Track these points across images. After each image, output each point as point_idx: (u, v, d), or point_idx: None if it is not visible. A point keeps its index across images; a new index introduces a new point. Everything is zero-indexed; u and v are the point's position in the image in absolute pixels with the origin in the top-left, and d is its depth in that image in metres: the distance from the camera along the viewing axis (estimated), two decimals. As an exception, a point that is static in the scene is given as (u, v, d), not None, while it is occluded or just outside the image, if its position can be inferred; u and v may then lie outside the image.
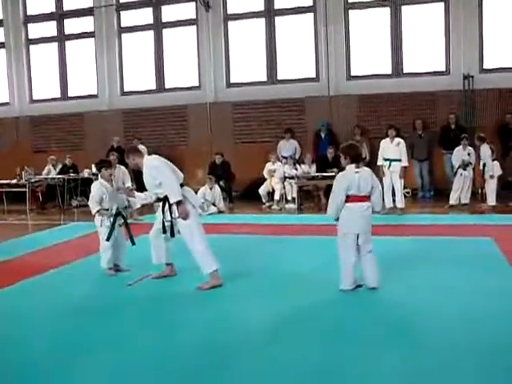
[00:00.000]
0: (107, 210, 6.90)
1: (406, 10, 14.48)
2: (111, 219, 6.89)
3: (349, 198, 5.76)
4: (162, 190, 6.24)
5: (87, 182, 14.83)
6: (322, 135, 14.49)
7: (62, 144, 16.90)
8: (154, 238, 6.61)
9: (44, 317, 5.44)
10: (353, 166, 5.86)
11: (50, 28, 17.37)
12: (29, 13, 17.54)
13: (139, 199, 7.20)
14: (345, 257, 5.83)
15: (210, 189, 12.32)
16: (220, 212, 12.35)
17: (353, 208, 5.78)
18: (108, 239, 6.84)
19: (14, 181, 14.99)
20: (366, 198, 5.84)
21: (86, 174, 14.67)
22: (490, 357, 4.07)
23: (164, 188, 6.18)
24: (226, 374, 3.97)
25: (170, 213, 6.24)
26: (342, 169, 6.12)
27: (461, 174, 11.79)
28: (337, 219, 5.90)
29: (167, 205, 6.24)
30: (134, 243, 7.05)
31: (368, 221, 5.88)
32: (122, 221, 7.05)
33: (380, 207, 6.22)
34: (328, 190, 13.50)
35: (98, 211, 6.87)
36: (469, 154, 11.84)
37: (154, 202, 6.84)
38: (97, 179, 7.22)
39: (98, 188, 6.92)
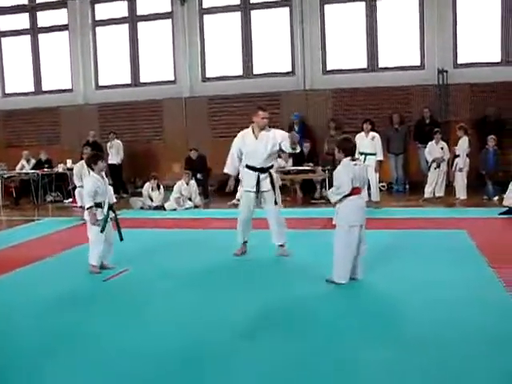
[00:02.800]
0: (100, 203, 6.76)
1: (381, 4, 14.56)
2: (104, 212, 6.79)
3: (353, 190, 5.82)
4: (272, 161, 7.25)
5: (62, 177, 14.71)
6: (296, 128, 14.48)
7: (35, 139, 16.71)
8: (246, 217, 7.32)
9: (16, 312, 5.39)
10: (348, 158, 5.91)
11: (22, 20, 17.11)
12: (0, 4, 17.24)
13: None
14: (346, 250, 5.82)
15: (187, 184, 12.31)
16: (196, 207, 12.34)
17: (355, 200, 5.86)
18: (102, 231, 6.70)
19: (-13, 176, 14.82)
20: (361, 190, 5.97)
21: (60, 169, 14.51)
22: (469, 345, 4.17)
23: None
24: (201, 370, 3.97)
25: (263, 185, 7.13)
26: (336, 162, 6.19)
27: (435, 168, 11.93)
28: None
29: (261, 176, 7.11)
30: (122, 239, 6.92)
31: (365, 211, 6.01)
32: (113, 215, 6.96)
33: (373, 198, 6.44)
34: (304, 184, 13.64)
35: (90, 207, 6.67)
36: (442, 148, 11.97)
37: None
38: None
39: (92, 181, 6.75)
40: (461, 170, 11.68)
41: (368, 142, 11.23)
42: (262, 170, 7.18)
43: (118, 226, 6.93)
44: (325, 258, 6.67)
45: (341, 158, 5.97)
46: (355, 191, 5.85)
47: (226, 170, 7.57)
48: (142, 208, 12.42)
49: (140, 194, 13.01)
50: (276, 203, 7.26)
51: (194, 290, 5.97)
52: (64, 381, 3.88)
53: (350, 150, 6.00)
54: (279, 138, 7.11)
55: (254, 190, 7.17)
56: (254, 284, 6.18)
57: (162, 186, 12.62)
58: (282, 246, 7.38)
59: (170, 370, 3.96)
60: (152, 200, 12.40)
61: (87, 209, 6.71)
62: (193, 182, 12.52)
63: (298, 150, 7.33)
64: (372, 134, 11.40)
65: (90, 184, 6.77)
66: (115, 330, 4.79)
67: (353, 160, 5.92)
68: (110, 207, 6.86)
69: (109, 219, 6.80)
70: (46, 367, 4.07)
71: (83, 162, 9.17)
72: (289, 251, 7.35)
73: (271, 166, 7.27)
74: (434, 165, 11.94)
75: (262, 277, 6.48)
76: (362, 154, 11.19)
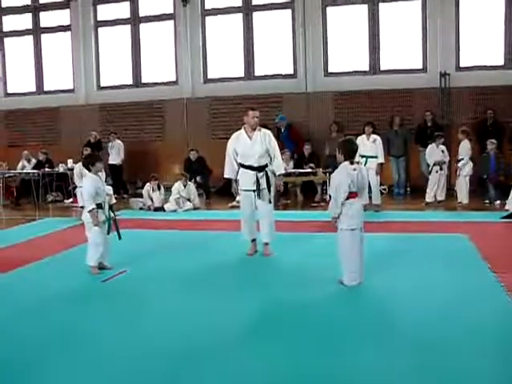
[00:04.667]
0: (101, 204, 6.70)
1: (383, 7, 14.53)
2: (106, 213, 6.76)
3: (351, 195, 5.81)
4: (265, 160, 7.30)
5: (63, 177, 14.70)
6: (282, 129, 14.44)
7: (37, 138, 16.70)
8: (250, 216, 7.43)
9: (15, 311, 5.37)
10: (347, 162, 5.88)
11: (25, 21, 17.13)
12: (3, 5, 17.29)
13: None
14: (352, 252, 5.84)
15: (184, 186, 12.27)
16: (196, 208, 12.32)
17: (353, 203, 5.85)
18: (108, 233, 6.73)
19: (-12, 176, 14.81)
20: (358, 193, 5.95)
21: (61, 168, 14.50)
22: (470, 349, 4.13)
23: (278, 159, 7.40)
24: (197, 373, 3.94)
25: (262, 182, 7.24)
26: (335, 165, 6.19)
27: (436, 172, 11.90)
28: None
29: (259, 175, 7.24)
30: (120, 237, 6.89)
31: (362, 214, 6.02)
32: (112, 215, 6.93)
33: (366, 201, 6.48)
34: (304, 186, 13.62)
35: (91, 210, 6.60)
36: (442, 152, 11.95)
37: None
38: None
39: (92, 182, 6.70)
40: (466, 174, 11.67)
41: (369, 144, 11.20)
42: (259, 169, 7.28)
43: (117, 226, 6.91)
44: (324, 260, 6.69)
45: (341, 160, 5.94)
46: (352, 195, 5.83)
47: (226, 175, 7.63)
48: (141, 209, 12.40)
49: (140, 195, 12.99)
50: (270, 202, 7.38)
51: (192, 292, 5.94)
52: (61, 379, 3.86)
53: (350, 152, 5.96)
54: (269, 145, 7.33)
55: (253, 188, 7.25)
56: (253, 286, 6.15)
57: (162, 187, 12.60)
58: (266, 244, 7.47)
59: (165, 372, 3.92)
60: (152, 201, 12.37)
61: (89, 211, 6.65)
62: (191, 184, 12.49)
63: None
64: (373, 136, 11.38)
65: (89, 186, 6.69)
66: (112, 331, 4.77)
67: (351, 164, 5.89)
68: (111, 207, 6.84)
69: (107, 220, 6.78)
70: (44, 366, 4.05)
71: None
72: (272, 251, 7.45)
73: (267, 165, 7.37)
74: (436, 168, 11.90)
75: (262, 279, 6.46)
76: (363, 156, 11.17)
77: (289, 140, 14.12)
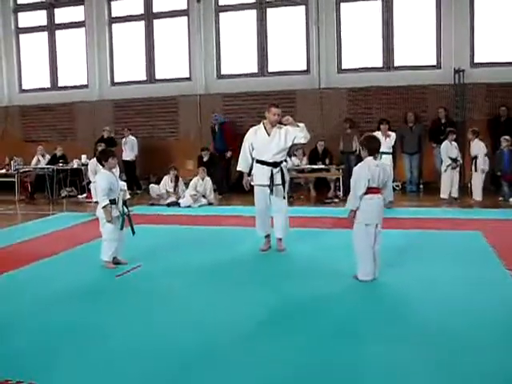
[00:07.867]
0: (114, 200, 6.74)
1: (397, 3, 14.46)
2: (120, 209, 6.80)
3: (369, 190, 5.84)
4: (282, 156, 7.35)
5: (77, 173, 14.80)
6: (216, 129, 14.58)
7: (51, 134, 16.82)
8: (264, 211, 7.41)
9: (27, 306, 5.42)
10: (370, 158, 5.92)
11: (40, 17, 17.24)
12: (19, 1, 17.38)
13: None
14: (365, 247, 5.87)
15: (202, 179, 12.35)
16: (210, 204, 12.35)
17: (373, 199, 5.88)
18: (122, 228, 6.77)
19: (3, 171, 14.96)
20: (381, 190, 5.97)
21: (75, 164, 14.59)
22: (484, 342, 4.12)
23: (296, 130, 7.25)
24: (212, 369, 3.96)
25: (277, 178, 7.25)
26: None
27: (452, 168, 11.80)
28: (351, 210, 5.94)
29: (274, 170, 7.24)
30: (134, 232, 6.93)
31: (382, 211, 6.03)
32: (126, 210, 6.95)
33: (388, 198, 6.46)
34: (318, 182, 13.62)
35: (105, 206, 6.63)
36: (456, 148, 11.90)
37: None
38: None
39: (106, 178, 6.73)
40: (483, 170, 11.61)
41: (384, 141, 11.17)
42: (274, 165, 7.27)
43: (131, 221, 6.95)
44: (338, 256, 6.70)
45: (365, 155, 5.99)
46: (371, 190, 5.83)
47: (238, 168, 7.62)
48: (152, 204, 12.47)
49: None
50: (284, 198, 7.40)
51: (205, 288, 5.97)
52: (69, 375, 3.87)
53: (374, 149, 6.02)
54: (293, 133, 7.24)
55: (268, 183, 7.24)
56: (266, 282, 6.16)
57: (180, 179, 12.70)
58: (280, 239, 7.50)
59: (176, 369, 3.91)
60: (168, 193, 12.47)
61: (103, 207, 6.69)
62: (208, 179, 12.53)
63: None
64: (389, 133, 11.43)
65: (103, 181, 6.72)
66: (123, 327, 4.77)
67: (375, 159, 5.95)
68: (124, 203, 6.88)
69: (120, 215, 6.81)
70: (52, 362, 4.07)
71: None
72: (285, 246, 7.49)
73: (282, 161, 7.39)
74: (453, 164, 11.81)
75: (275, 274, 6.47)
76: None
77: (221, 139, 14.43)
